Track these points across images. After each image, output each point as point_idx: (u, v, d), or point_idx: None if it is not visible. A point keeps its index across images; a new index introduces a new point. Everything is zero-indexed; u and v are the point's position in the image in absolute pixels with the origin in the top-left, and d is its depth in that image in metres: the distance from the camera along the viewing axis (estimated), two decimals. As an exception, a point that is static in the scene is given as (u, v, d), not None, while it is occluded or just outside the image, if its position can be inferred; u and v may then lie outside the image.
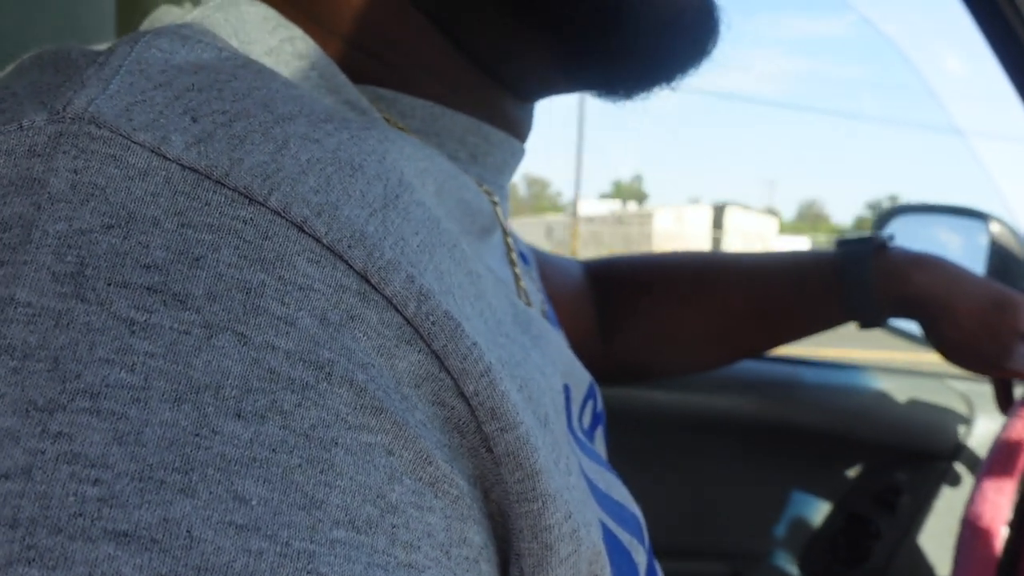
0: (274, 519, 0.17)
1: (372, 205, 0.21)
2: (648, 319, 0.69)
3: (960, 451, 0.88)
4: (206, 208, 0.19)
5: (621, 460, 0.87)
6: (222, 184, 0.19)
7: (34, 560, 0.15)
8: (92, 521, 0.16)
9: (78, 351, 0.17)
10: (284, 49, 0.28)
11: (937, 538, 0.87)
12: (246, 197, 0.19)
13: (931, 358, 0.67)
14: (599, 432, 0.42)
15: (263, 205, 0.19)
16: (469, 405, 0.21)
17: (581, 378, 0.36)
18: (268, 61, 0.28)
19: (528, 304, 0.36)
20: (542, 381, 0.26)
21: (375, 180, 0.22)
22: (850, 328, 0.67)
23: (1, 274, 0.18)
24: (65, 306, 0.17)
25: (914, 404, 0.89)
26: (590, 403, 0.38)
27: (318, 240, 0.19)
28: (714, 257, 0.72)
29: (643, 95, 0.36)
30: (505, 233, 0.37)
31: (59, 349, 0.17)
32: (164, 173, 0.19)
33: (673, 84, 0.35)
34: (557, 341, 0.31)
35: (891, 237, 0.65)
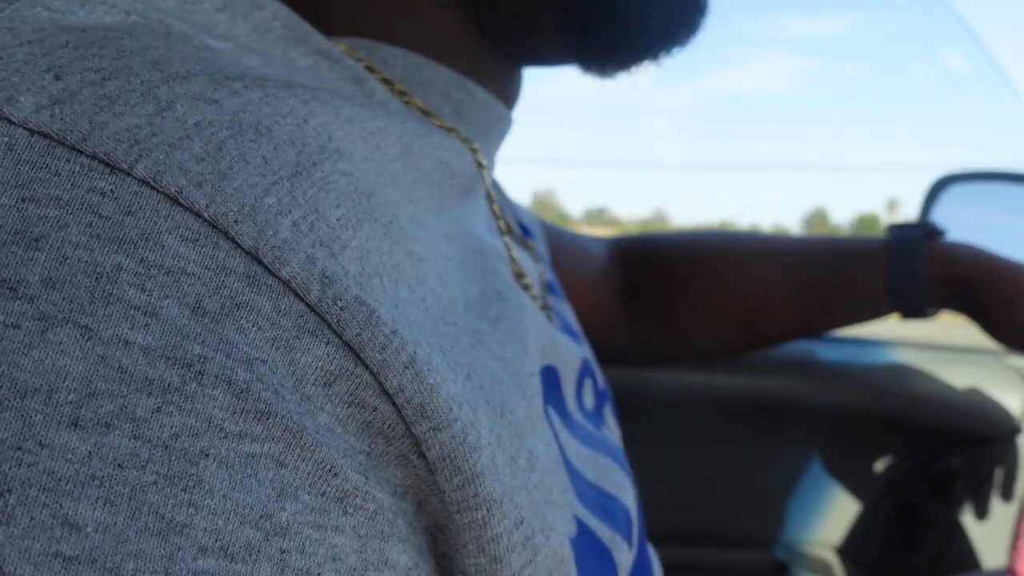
0: (116, 548, 0.14)
1: (277, 173, 0.18)
2: (677, 298, 0.66)
3: (1017, 434, 0.82)
4: (54, 179, 0.16)
5: (651, 443, 0.83)
6: (77, 150, 0.16)
7: None
8: None
9: None
10: (240, 0, 0.25)
11: (992, 525, 0.82)
12: (107, 165, 0.16)
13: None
14: (608, 410, 0.39)
15: (127, 174, 0.16)
16: (394, 404, 0.18)
17: (572, 356, 0.32)
18: (222, 17, 0.25)
19: (521, 274, 0.33)
20: (497, 367, 0.23)
21: (286, 145, 0.19)
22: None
23: None
24: None
25: (967, 383, 0.84)
26: (588, 381, 0.35)
27: (197, 214, 0.16)
28: (749, 237, 0.68)
29: (631, 70, 0.34)
30: (491, 199, 0.34)
31: None
32: (6, 139, 0.16)
33: (661, 59, 0.34)
34: (532, 320, 0.28)
35: (942, 232, 0.62)
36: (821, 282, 0.63)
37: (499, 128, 0.35)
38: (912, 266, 0.60)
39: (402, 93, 0.30)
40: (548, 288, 0.41)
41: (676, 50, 0.33)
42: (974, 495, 0.82)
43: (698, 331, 0.67)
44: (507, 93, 0.35)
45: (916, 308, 0.60)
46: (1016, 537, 0.65)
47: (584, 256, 0.64)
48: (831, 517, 0.87)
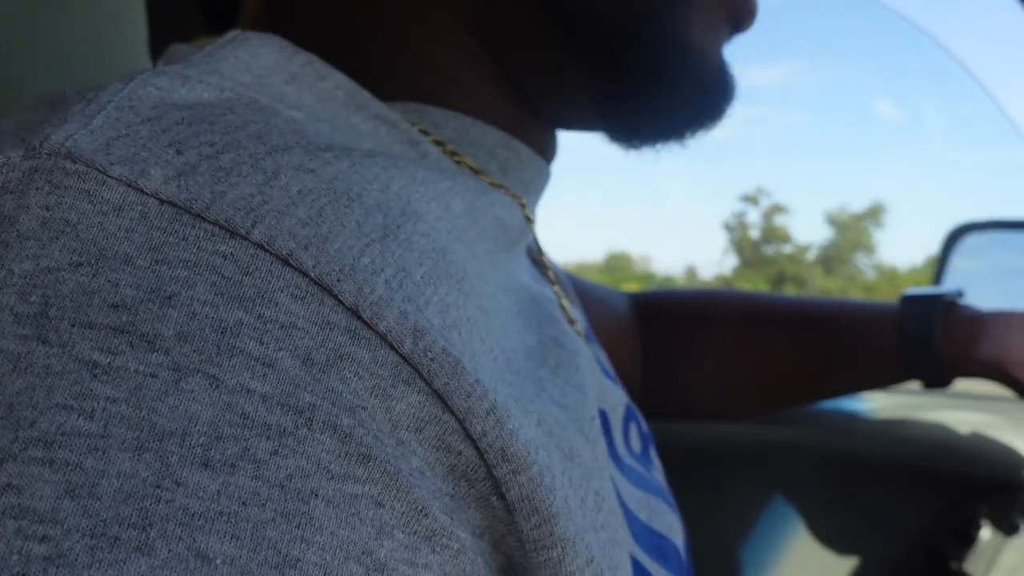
0: None
1: (369, 235, 0.20)
2: (693, 359, 0.67)
3: None
4: (183, 243, 0.18)
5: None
6: (202, 218, 0.18)
7: None
8: None
9: (35, 397, 0.16)
10: (306, 73, 0.28)
11: (1020, 573, 0.82)
12: (227, 231, 0.18)
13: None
14: (653, 452, 0.40)
15: (245, 239, 0.18)
16: (477, 448, 0.20)
17: (617, 401, 0.34)
18: (291, 89, 0.27)
19: (571, 321, 0.35)
20: (561, 414, 0.25)
21: (374, 210, 0.21)
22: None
23: None
24: (24, 349, 0.16)
25: (990, 429, 0.84)
26: (633, 425, 0.37)
27: (304, 274, 0.18)
28: (767, 299, 0.69)
29: (659, 146, 0.36)
30: (538, 250, 0.36)
31: (15, 395, 0.16)
32: (140, 208, 0.18)
33: (688, 139, 0.36)
34: (588, 365, 0.29)
35: (960, 294, 0.61)
36: (836, 349, 0.63)
37: (540, 182, 0.37)
38: (928, 343, 0.59)
39: (453, 153, 0.32)
40: (586, 337, 0.42)
41: (701, 133, 0.35)
42: (1000, 542, 0.82)
43: (711, 392, 0.68)
44: (546, 149, 0.37)
45: (936, 382, 0.61)
46: None
47: (607, 311, 0.65)
48: (850, 569, 0.87)
